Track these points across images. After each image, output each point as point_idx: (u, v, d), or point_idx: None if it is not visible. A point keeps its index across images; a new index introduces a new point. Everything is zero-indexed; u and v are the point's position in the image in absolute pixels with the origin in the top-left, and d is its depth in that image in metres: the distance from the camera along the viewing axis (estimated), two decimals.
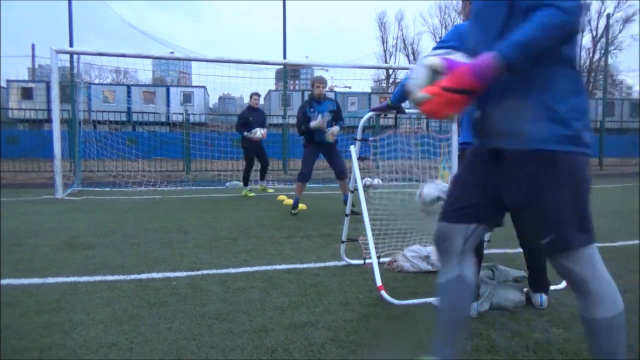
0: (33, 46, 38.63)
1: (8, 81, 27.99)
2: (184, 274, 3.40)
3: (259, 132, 8.25)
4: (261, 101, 9.00)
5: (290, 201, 7.36)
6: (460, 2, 2.88)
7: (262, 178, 9.13)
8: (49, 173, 10.99)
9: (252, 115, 8.50)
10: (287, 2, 13.28)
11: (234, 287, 3.10)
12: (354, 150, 3.38)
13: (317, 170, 13.69)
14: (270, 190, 9.28)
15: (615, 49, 39.09)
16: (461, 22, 2.80)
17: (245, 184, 8.78)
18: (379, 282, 2.85)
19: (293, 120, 19.57)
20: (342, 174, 6.43)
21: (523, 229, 1.70)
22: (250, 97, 8.72)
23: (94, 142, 11.19)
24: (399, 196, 4.40)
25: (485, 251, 3.83)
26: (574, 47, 1.48)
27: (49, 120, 11.41)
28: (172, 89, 30.06)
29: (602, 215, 6.12)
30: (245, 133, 8.34)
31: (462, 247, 1.66)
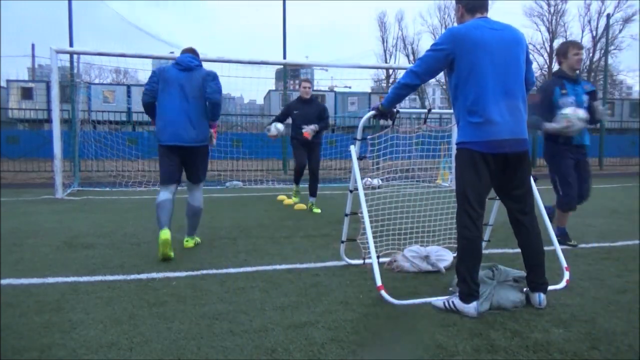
0: (33, 46, 38.60)
1: (8, 81, 27.96)
2: (184, 274, 3.40)
3: (273, 129, 6.38)
4: (260, 101, 8.71)
5: (291, 201, 7.37)
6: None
7: (312, 194, 6.68)
8: (49, 173, 10.98)
9: (298, 109, 6.49)
10: (287, 2, 13.28)
11: (234, 287, 3.10)
12: (353, 150, 3.38)
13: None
14: (317, 211, 6.46)
15: (615, 49, 39.08)
16: (456, 24, 2.81)
17: (297, 182, 7.05)
18: (379, 282, 2.85)
19: None
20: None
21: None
22: (299, 85, 6.85)
23: (93, 142, 11.19)
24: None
25: (485, 251, 3.84)
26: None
27: (49, 120, 11.42)
28: None
29: (602, 215, 6.12)
30: (266, 128, 6.66)
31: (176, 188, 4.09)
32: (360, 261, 3.63)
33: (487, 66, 2.56)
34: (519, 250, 2.84)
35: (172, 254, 3.76)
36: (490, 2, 2.79)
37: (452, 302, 2.63)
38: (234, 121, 17.60)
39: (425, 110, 3.57)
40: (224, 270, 3.49)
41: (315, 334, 2.35)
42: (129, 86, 30.08)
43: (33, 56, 37.88)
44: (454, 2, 2.91)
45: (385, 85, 40.52)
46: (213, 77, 4.04)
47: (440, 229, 4.19)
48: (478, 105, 2.57)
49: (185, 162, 4.08)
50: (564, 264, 3.19)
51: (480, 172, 2.60)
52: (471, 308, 2.56)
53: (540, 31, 45.59)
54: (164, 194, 4.02)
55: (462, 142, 2.66)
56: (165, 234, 3.74)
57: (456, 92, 2.69)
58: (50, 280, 3.22)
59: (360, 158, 3.40)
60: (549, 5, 42.48)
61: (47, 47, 8.28)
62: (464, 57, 2.58)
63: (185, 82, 3.94)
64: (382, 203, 4.20)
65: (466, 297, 2.58)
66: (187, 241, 4.21)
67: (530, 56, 2.84)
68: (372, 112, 3.13)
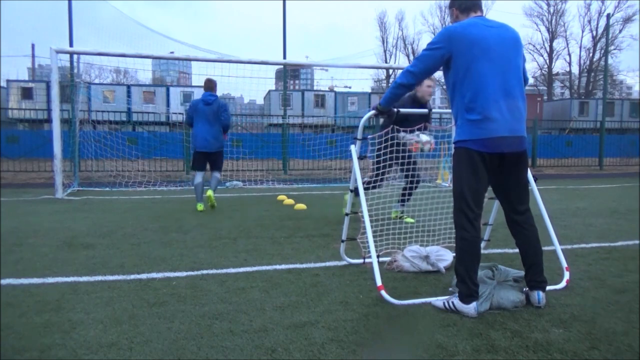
0: (33, 46, 38.69)
1: (8, 81, 28.01)
2: (184, 274, 3.40)
3: (422, 137, 4.39)
4: (260, 101, 8.65)
5: (291, 201, 7.37)
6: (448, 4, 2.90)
7: (403, 200, 5.44)
8: (48, 173, 10.99)
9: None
10: (287, 1, 13.29)
11: (234, 287, 3.10)
12: (354, 149, 3.38)
13: (316, 170, 13.74)
14: (411, 221, 5.29)
15: (615, 49, 39.12)
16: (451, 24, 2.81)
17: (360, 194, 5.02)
18: (379, 282, 2.85)
19: (293, 121, 19.53)
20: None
21: None
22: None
23: (93, 142, 11.19)
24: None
25: (485, 251, 3.84)
26: None
27: (49, 120, 11.42)
28: (172, 89, 30.09)
29: (602, 215, 6.12)
30: (402, 134, 4.53)
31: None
32: (360, 261, 3.63)
33: (485, 63, 2.55)
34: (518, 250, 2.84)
35: (215, 204, 6.63)
36: (490, 2, 2.80)
37: (452, 302, 2.63)
38: (234, 121, 17.61)
39: (425, 110, 3.57)
40: (224, 270, 3.49)
41: (315, 334, 2.35)
42: (129, 86, 30.12)
43: (33, 56, 37.96)
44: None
45: (385, 85, 40.56)
46: (225, 108, 6.56)
47: (440, 229, 4.19)
48: (476, 103, 2.56)
49: (209, 159, 6.61)
50: (564, 264, 3.19)
51: (478, 171, 2.59)
52: (470, 308, 2.56)
53: (540, 31, 45.65)
54: (198, 178, 6.59)
55: (460, 140, 2.64)
56: (200, 206, 6.46)
57: (453, 91, 2.68)
58: (50, 280, 3.22)
59: (360, 158, 3.40)
60: (548, 5, 42.51)
61: (47, 47, 8.29)
62: (461, 55, 2.58)
63: (208, 113, 6.43)
64: (382, 203, 4.20)
65: (465, 298, 2.57)
66: (209, 195, 6.47)
67: (529, 56, 2.85)
68: (372, 112, 3.13)
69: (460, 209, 2.62)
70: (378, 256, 3.12)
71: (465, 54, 2.56)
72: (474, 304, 2.56)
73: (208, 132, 6.41)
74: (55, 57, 8.15)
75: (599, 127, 17.78)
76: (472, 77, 2.56)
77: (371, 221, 3.29)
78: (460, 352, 2.15)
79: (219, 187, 7.12)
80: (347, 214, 3.56)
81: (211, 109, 6.42)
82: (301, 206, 6.79)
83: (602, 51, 35.71)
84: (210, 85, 6.57)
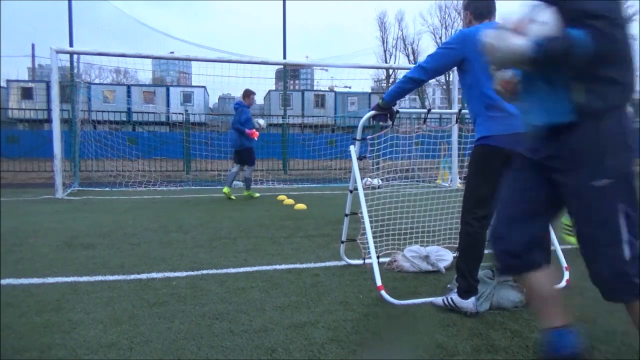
0: (33, 46, 38.76)
1: (8, 81, 28.03)
2: (184, 273, 3.40)
3: None
4: (260, 101, 9.06)
5: (291, 201, 7.37)
6: (462, 4, 2.90)
7: None
8: (49, 173, 10.99)
9: None
10: (287, 1, 13.30)
11: (234, 287, 3.10)
12: (353, 150, 3.38)
13: (316, 170, 13.74)
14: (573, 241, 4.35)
15: None
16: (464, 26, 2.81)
17: None
18: (379, 282, 2.85)
19: (293, 121, 19.50)
20: None
21: None
22: None
23: (93, 142, 11.20)
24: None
25: (486, 251, 3.83)
26: None
27: (49, 120, 11.42)
28: (172, 89, 30.12)
29: None
30: None
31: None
32: (360, 261, 3.63)
33: None
34: None
35: (232, 198, 7.96)
36: None
37: (451, 298, 2.63)
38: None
39: (425, 110, 3.57)
40: (224, 270, 3.49)
41: (315, 334, 2.35)
42: (129, 86, 30.13)
43: (33, 56, 37.96)
44: (455, 1, 2.93)
45: (385, 85, 40.56)
46: (235, 115, 8.03)
47: (440, 229, 4.19)
48: (497, 101, 2.54)
49: (237, 155, 8.16)
50: (564, 264, 3.19)
51: (493, 170, 2.56)
52: (469, 303, 2.56)
53: None
54: (234, 167, 8.27)
55: (482, 137, 2.60)
56: (225, 188, 8.02)
57: (471, 92, 2.66)
58: (50, 280, 3.22)
59: (360, 158, 3.40)
60: None
61: (47, 47, 8.30)
62: (477, 58, 2.57)
63: (234, 117, 8.07)
64: (382, 203, 4.20)
65: (464, 293, 2.57)
66: (223, 191, 8.08)
67: None
68: (372, 112, 3.13)
69: (467, 207, 2.62)
70: (378, 257, 3.12)
71: (481, 56, 2.56)
72: (472, 299, 2.56)
73: (232, 133, 8.17)
74: (55, 57, 8.15)
75: None
76: (490, 79, 2.56)
77: (371, 222, 3.29)
78: (460, 352, 2.16)
79: (239, 184, 9.16)
80: (346, 215, 3.56)
81: (235, 114, 8.10)
82: (301, 206, 6.80)
83: None
84: (243, 94, 8.22)
